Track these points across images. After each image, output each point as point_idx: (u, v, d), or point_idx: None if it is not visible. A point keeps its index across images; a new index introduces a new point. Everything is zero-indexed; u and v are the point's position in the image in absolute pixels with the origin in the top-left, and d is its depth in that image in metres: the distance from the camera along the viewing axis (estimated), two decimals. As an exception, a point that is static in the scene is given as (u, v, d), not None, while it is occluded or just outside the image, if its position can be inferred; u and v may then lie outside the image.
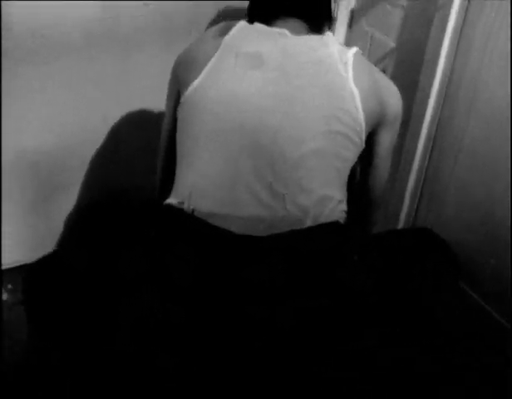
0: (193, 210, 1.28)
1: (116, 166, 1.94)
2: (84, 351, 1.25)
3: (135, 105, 1.89)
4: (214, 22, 1.85)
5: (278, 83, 1.30)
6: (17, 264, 1.88)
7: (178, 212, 1.30)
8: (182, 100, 1.37)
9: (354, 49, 1.36)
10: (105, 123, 1.86)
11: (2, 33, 1.58)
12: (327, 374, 1.18)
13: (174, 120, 1.42)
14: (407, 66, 1.76)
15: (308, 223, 1.26)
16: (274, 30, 1.36)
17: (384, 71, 1.86)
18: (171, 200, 1.32)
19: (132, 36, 1.78)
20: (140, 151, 1.94)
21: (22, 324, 1.69)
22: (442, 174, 1.75)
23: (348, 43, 1.97)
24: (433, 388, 1.22)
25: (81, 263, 1.33)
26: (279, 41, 1.34)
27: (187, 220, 1.29)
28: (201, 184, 1.29)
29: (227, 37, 1.35)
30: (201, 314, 1.20)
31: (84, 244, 1.50)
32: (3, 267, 1.87)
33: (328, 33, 1.40)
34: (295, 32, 1.36)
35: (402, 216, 1.86)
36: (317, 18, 1.41)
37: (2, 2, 1.47)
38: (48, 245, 1.92)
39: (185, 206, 1.28)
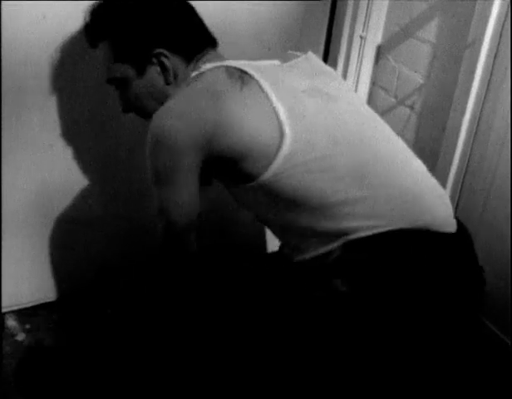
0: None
1: (128, 203, 1.92)
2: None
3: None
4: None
5: (348, 107, 1.28)
6: (34, 304, 1.88)
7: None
8: (271, 172, 1.21)
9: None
10: (122, 161, 1.84)
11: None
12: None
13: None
14: (436, 104, 1.72)
15: None
16: (275, 62, 1.33)
17: (412, 108, 1.82)
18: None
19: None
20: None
21: (39, 364, 1.69)
22: (472, 216, 1.70)
23: (375, 79, 1.94)
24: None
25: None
26: (301, 70, 1.30)
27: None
28: (357, 211, 1.22)
29: (255, 87, 1.23)
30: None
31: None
32: (21, 306, 1.85)
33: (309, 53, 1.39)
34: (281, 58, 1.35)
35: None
36: None
37: (2, 2, 1.45)
38: (65, 286, 1.91)
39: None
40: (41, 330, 1.81)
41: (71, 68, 1.64)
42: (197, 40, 1.37)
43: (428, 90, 1.75)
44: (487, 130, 1.61)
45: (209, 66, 1.30)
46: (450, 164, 1.68)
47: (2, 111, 1.59)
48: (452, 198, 1.72)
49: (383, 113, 1.87)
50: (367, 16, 1.87)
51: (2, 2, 1.45)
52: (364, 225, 1.21)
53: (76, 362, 1.69)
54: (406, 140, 1.84)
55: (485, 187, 1.64)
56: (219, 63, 1.30)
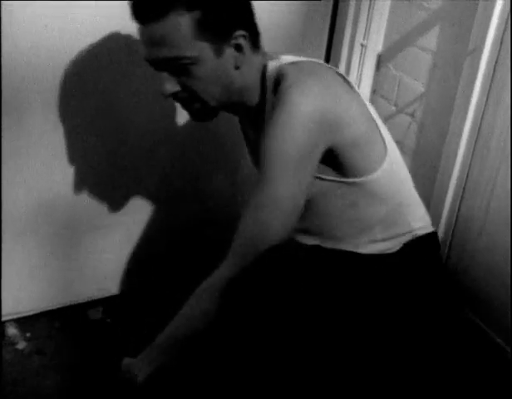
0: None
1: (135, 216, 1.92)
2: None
3: (159, 153, 1.87)
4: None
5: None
6: (35, 313, 1.87)
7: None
8: (380, 172, 1.28)
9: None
10: (126, 171, 1.84)
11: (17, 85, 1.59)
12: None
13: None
14: (437, 112, 1.72)
15: None
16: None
17: (413, 116, 1.82)
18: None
19: (153, 81, 1.76)
20: (153, 197, 1.92)
21: (40, 373, 1.69)
22: (473, 223, 1.70)
23: (376, 87, 1.94)
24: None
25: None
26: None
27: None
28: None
29: (359, 97, 1.29)
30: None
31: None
32: (21, 315, 1.85)
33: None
34: None
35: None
36: None
37: (2, 2, 1.45)
38: (66, 294, 1.91)
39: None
40: (42, 338, 1.81)
41: (73, 78, 1.65)
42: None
43: (429, 98, 1.75)
44: (488, 137, 1.61)
45: (291, 58, 1.29)
46: (451, 171, 1.68)
47: (4, 120, 1.59)
48: (453, 205, 1.72)
49: (384, 121, 1.86)
50: (368, 24, 1.87)
51: (2, 2, 1.45)
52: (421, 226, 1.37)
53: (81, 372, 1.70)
54: (407, 148, 1.85)
55: (487, 194, 1.64)
56: (303, 58, 1.31)
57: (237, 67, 1.26)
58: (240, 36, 1.24)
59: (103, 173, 1.81)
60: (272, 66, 1.29)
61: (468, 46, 1.59)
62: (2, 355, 1.70)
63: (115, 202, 1.87)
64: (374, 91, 1.95)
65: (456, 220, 1.74)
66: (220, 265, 1.20)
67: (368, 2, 1.85)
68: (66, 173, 1.75)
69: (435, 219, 1.75)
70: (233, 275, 1.17)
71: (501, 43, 1.54)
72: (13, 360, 1.72)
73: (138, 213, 1.91)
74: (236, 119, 1.46)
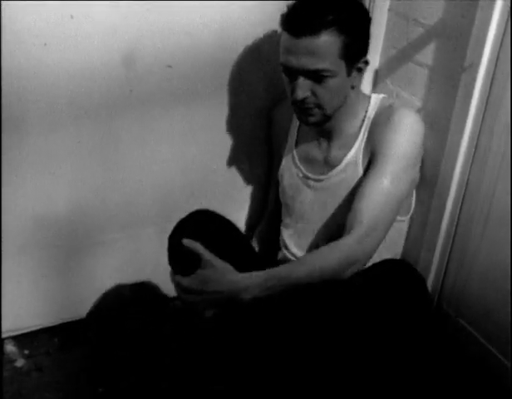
0: None
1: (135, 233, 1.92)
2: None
3: (156, 169, 1.87)
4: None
5: None
6: (33, 329, 1.87)
7: None
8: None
9: None
10: (124, 187, 1.84)
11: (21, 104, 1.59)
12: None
13: None
14: (434, 127, 1.73)
15: None
16: None
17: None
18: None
19: (153, 97, 1.77)
20: (156, 215, 1.92)
21: (39, 390, 1.68)
22: (471, 237, 1.70)
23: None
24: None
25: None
26: None
27: None
28: None
29: None
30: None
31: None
32: (20, 332, 1.85)
33: None
34: None
35: (429, 281, 1.80)
36: None
37: (2, 2, 1.46)
38: (65, 311, 1.90)
39: None
40: (41, 355, 1.81)
41: (73, 94, 1.66)
42: None
43: (426, 113, 1.75)
44: (485, 152, 1.61)
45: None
46: (449, 186, 1.67)
47: (4, 137, 1.60)
48: (451, 219, 1.72)
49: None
50: (365, 39, 1.88)
51: (2, 2, 1.46)
52: None
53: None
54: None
55: (485, 207, 1.64)
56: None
57: (353, 87, 1.57)
58: (364, 62, 1.56)
59: (103, 188, 1.81)
60: (374, 96, 1.66)
61: (464, 62, 1.59)
62: (2, 373, 1.70)
63: (115, 218, 1.87)
64: (372, 106, 1.95)
65: (455, 234, 1.74)
66: (347, 235, 1.46)
67: (365, 18, 1.86)
68: (66, 188, 1.76)
69: (434, 233, 1.75)
70: (357, 245, 1.43)
71: (497, 59, 1.55)
72: (12, 377, 1.72)
73: (139, 228, 1.92)
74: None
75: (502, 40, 1.53)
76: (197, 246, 1.33)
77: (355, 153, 1.61)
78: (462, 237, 1.73)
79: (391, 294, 1.34)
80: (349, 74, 1.52)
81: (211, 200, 1.87)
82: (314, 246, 1.68)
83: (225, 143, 1.95)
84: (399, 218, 1.65)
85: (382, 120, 1.58)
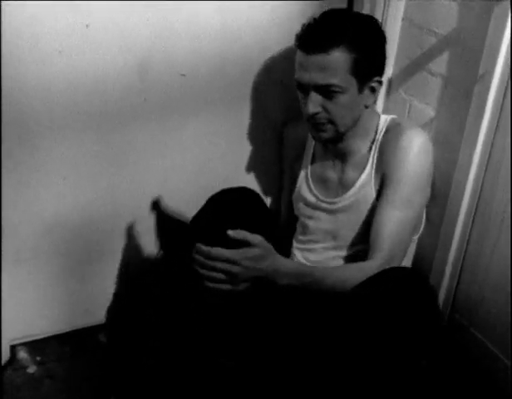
0: None
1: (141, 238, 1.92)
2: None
3: (169, 177, 1.87)
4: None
5: None
6: (45, 336, 1.87)
7: None
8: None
9: None
10: (134, 196, 1.85)
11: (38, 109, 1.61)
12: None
13: None
14: (447, 136, 1.72)
15: None
16: None
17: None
18: None
19: (167, 106, 1.78)
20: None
21: (50, 397, 1.68)
22: (485, 245, 1.69)
23: (386, 111, 1.94)
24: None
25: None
26: None
27: None
28: None
29: None
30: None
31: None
32: (32, 338, 1.85)
33: None
34: None
35: (443, 291, 1.79)
36: None
37: (2, 2, 1.47)
38: (77, 318, 1.90)
39: None
40: (53, 362, 1.81)
41: (87, 102, 1.67)
42: None
43: (439, 122, 1.75)
44: (499, 162, 1.61)
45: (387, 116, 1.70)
46: (462, 196, 1.67)
47: (17, 143, 1.61)
48: (465, 227, 1.71)
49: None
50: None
51: (2, 2, 1.47)
52: None
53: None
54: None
55: (498, 218, 1.63)
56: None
57: (366, 106, 1.60)
58: (377, 82, 1.58)
59: (114, 196, 1.82)
60: (383, 117, 1.68)
61: (478, 71, 1.59)
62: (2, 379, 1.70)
63: (126, 225, 1.87)
64: (385, 115, 1.95)
65: (468, 241, 1.73)
66: (371, 260, 1.52)
67: (378, 28, 1.86)
68: (78, 196, 1.77)
69: (447, 243, 1.75)
70: (378, 270, 1.43)
71: (511, 69, 1.54)
72: (24, 384, 1.72)
73: (150, 235, 1.92)
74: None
75: (516, 49, 1.53)
76: (244, 234, 1.34)
77: (368, 174, 1.63)
78: (475, 246, 1.72)
79: (395, 300, 1.33)
80: (360, 91, 1.55)
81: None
82: (322, 263, 1.71)
83: (238, 152, 1.96)
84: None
85: (392, 141, 1.60)
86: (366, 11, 1.86)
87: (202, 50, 1.75)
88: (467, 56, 1.64)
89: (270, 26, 1.81)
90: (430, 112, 1.78)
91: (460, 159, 1.67)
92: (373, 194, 1.62)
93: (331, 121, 1.56)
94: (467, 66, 1.63)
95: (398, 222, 1.55)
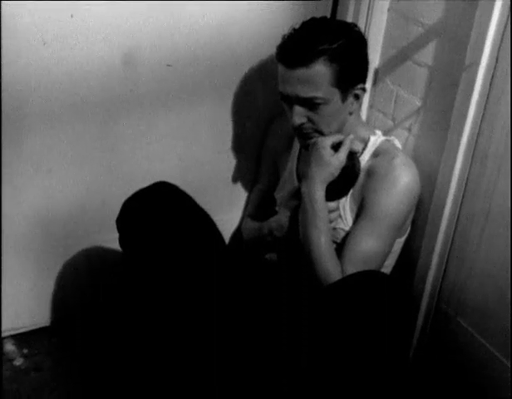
0: None
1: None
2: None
3: (155, 168, 1.86)
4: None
5: None
6: (32, 329, 1.87)
7: None
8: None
9: None
10: (123, 186, 1.84)
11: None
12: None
13: None
14: (434, 126, 1.73)
15: None
16: None
17: (409, 130, 1.82)
18: None
19: (153, 96, 1.77)
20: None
21: (37, 389, 1.68)
22: (471, 236, 1.69)
23: (373, 102, 1.95)
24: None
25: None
26: None
27: None
28: None
29: None
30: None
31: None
32: (19, 331, 1.84)
33: None
34: None
35: (429, 281, 1.79)
36: None
37: (2, 2, 1.46)
38: (64, 311, 1.90)
39: None
40: (40, 355, 1.81)
41: (73, 93, 1.66)
42: None
43: (425, 112, 1.75)
44: (485, 151, 1.61)
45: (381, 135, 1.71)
46: (449, 185, 1.67)
47: (4, 135, 1.59)
48: (451, 219, 1.72)
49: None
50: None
51: (2, 2, 1.46)
52: None
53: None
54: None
55: (485, 206, 1.64)
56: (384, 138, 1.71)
57: (350, 113, 1.62)
58: (360, 89, 1.60)
59: (103, 187, 1.81)
60: (376, 136, 1.68)
61: (464, 61, 1.60)
62: (1, 373, 1.70)
63: (115, 217, 1.86)
64: (371, 106, 1.95)
65: (454, 233, 1.74)
66: (341, 274, 1.53)
67: (365, 18, 1.86)
68: (66, 188, 1.76)
69: (433, 232, 1.75)
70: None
71: (497, 58, 1.55)
72: (11, 377, 1.72)
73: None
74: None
75: (502, 39, 1.53)
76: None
77: (347, 196, 1.64)
78: (461, 236, 1.72)
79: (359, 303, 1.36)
80: (344, 100, 1.57)
81: (210, 200, 1.87)
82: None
83: (225, 143, 1.95)
84: (397, 239, 1.69)
85: (381, 170, 1.59)
86: (352, 0, 1.86)
87: (188, 41, 1.74)
88: (453, 46, 1.64)
89: (257, 18, 1.80)
90: (417, 102, 1.79)
91: (447, 147, 1.67)
92: (348, 219, 1.64)
93: (317, 130, 1.59)
94: (453, 56, 1.64)
95: (368, 252, 1.56)
